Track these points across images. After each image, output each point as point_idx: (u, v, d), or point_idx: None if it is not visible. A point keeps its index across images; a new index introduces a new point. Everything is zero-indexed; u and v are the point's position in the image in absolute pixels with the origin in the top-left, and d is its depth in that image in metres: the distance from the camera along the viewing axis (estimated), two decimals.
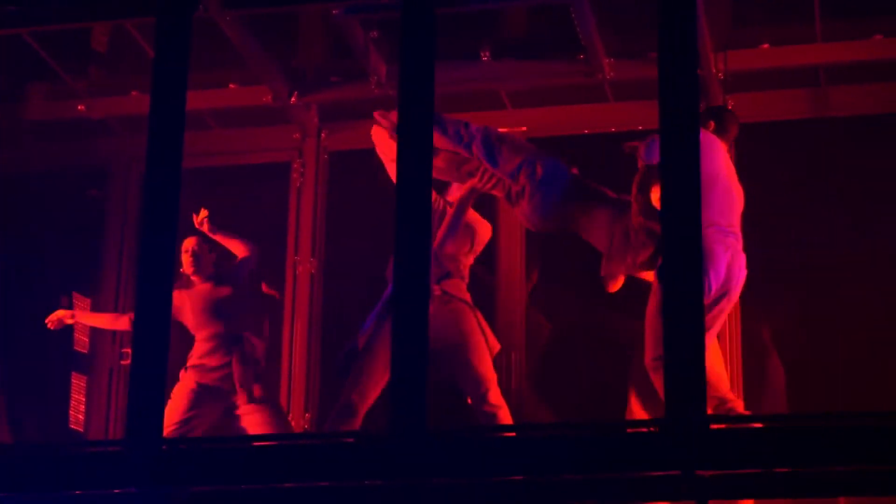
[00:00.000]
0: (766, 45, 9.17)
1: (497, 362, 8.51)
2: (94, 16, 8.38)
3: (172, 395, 8.67)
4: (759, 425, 6.69)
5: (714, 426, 6.40)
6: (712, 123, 8.02)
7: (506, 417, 8.15)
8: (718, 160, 7.72)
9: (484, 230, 8.68)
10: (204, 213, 8.90)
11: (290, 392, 9.65)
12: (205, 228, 8.91)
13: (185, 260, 8.94)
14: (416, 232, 6.85)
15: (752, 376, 8.92)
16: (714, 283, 7.58)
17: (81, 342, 10.29)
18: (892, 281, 8.95)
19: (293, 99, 9.68)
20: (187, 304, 8.90)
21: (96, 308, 10.15)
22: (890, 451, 6.17)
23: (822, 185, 9.35)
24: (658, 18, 6.78)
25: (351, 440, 7.17)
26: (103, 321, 9.49)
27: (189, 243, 8.98)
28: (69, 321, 9.23)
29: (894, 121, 9.07)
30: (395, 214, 6.91)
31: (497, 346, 8.41)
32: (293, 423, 9.44)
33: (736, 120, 8.24)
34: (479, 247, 8.67)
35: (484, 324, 8.39)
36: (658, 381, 7.45)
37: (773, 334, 9.01)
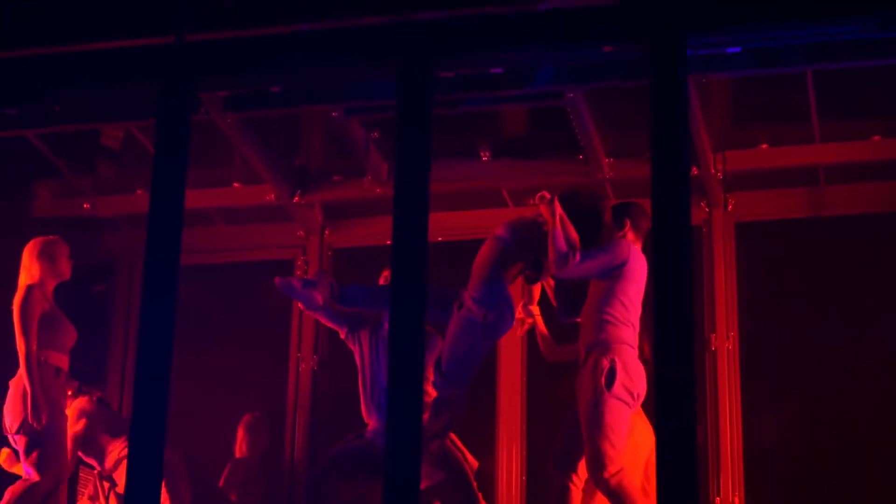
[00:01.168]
0: (764, 146, 9.23)
1: None
2: (93, 118, 8.49)
3: None
4: None
5: None
6: (628, 221, 8.01)
7: None
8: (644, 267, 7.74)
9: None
10: None
11: (293, 487, 9.63)
12: None
13: None
14: (409, 342, 6.83)
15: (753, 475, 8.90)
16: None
17: None
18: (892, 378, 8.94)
19: (296, 198, 9.75)
20: None
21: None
22: None
23: (821, 283, 9.36)
24: (650, 123, 6.80)
25: None
26: None
27: None
28: None
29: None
30: (390, 321, 6.94)
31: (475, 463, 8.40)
32: None
33: (646, 213, 8.23)
34: None
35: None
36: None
37: (774, 434, 8.97)
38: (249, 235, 10.37)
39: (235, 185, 9.96)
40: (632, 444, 7.86)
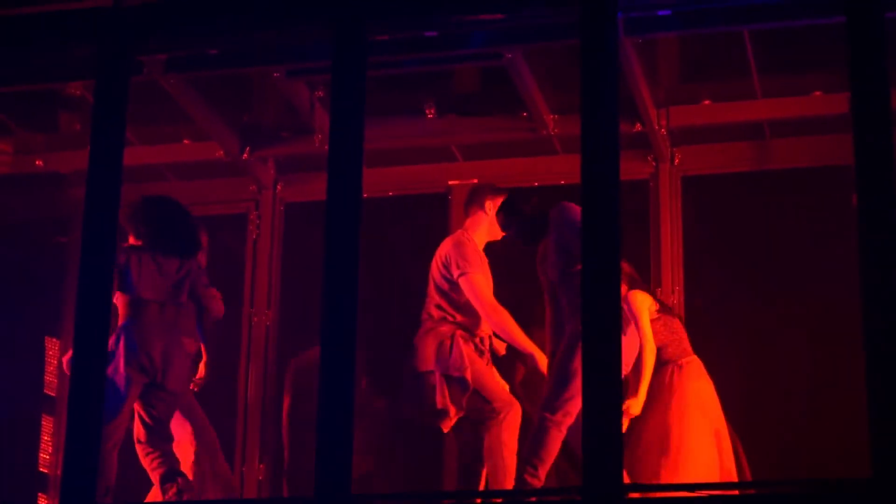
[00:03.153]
0: (707, 102, 9.28)
1: None
2: (35, 78, 8.52)
3: None
4: (676, 494, 6.77)
5: (632, 495, 6.48)
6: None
7: None
8: None
9: None
10: None
11: (244, 443, 9.73)
12: None
13: None
14: (343, 292, 6.93)
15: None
16: None
17: (51, 385, 10.39)
18: (835, 330, 9.00)
19: (245, 154, 9.79)
20: None
21: (64, 350, 10.23)
22: None
23: (766, 235, 9.45)
24: (581, 74, 6.86)
25: None
26: None
27: None
28: None
29: (836, 173, 9.11)
30: (324, 271, 7.04)
31: None
32: (247, 475, 9.55)
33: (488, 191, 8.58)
34: None
35: None
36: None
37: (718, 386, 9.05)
38: (202, 190, 10.35)
39: (185, 141, 9.99)
40: (699, 411, 8.02)
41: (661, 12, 7.39)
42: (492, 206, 8.57)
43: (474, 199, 8.67)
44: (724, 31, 8.18)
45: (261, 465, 9.69)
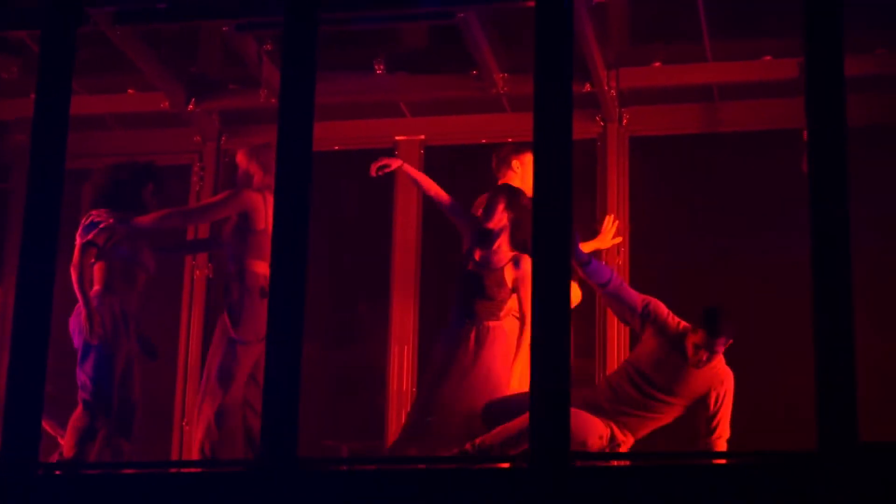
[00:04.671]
0: (657, 64, 9.27)
1: None
2: None
3: None
4: (624, 463, 6.80)
5: (579, 463, 6.49)
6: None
7: None
8: None
9: None
10: None
11: (184, 398, 9.67)
12: None
13: None
14: (294, 243, 6.90)
15: None
16: None
17: None
18: (784, 294, 9.04)
19: (190, 106, 9.69)
20: None
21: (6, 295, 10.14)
22: (757, 489, 6.29)
23: (713, 197, 9.46)
24: (535, 36, 6.84)
25: (240, 469, 7.30)
26: None
27: None
28: None
29: (785, 136, 9.12)
30: (273, 228, 7.02)
31: None
32: (187, 430, 9.50)
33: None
34: None
35: None
36: None
37: None
38: (146, 140, 10.26)
39: (130, 91, 9.86)
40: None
41: None
42: (519, 163, 8.63)
43: (502, 159, 8.73)
44: None
45: None
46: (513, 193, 8.22)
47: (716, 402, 7.58)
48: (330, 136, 9.63)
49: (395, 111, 9.89)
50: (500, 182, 8.58)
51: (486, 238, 8.15)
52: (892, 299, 8.66)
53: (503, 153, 8.76)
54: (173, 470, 8.25)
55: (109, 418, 8.09)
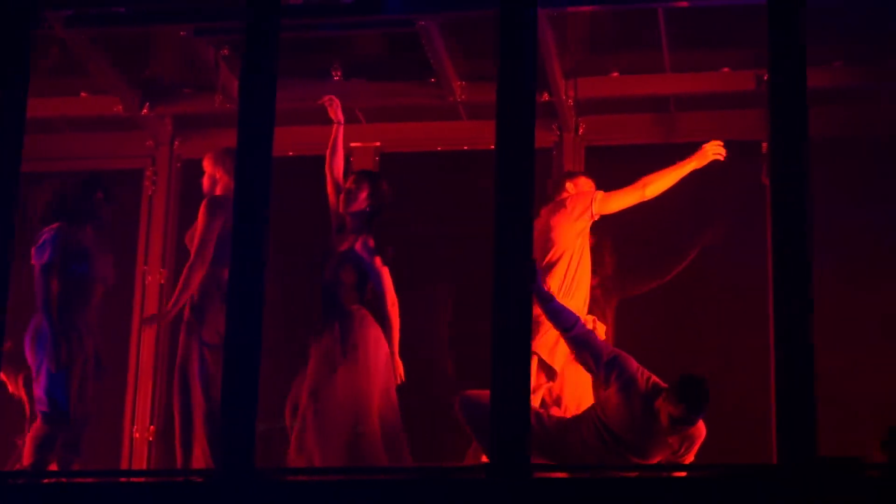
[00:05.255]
0: (616, 73, 9.27)
1: None
2: None
3: None
4: (582, 475, 6.79)
5: (538, 474, 6.48)
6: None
7: None
8: None
9: None
10: None
11: (135, 404, 9.57)
12: None
13: None
14: (251, 247, 6.86)
15: None
16: None
17: None
18: (739, 307, 9.07)
19: (144, 110, 9.61)
20: None
21: None
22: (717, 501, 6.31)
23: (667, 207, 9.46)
24: (500, 45, 6.83)
25: (198, 478, 7.25)
26: None
27: None
28: None
29: (740, 147, 9.13)
30: (233, 232, 6.97)
31: None
32: (138, 437, 9.41)
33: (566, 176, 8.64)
34: None
35: None
36: None
37: None
38: (98, 144, 10.16)
39: (83, 94, 9.75)
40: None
41: None
42: (572, 185, 8.64)
43: (556, 183, 8.76)
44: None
45: (151, 427, 9.53)
46: (375, 180, 8.33)
47: (685, 449, 7.29)
48: (284, 141, 9.54)
49: (351, 117, 9.82)
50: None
51: (348, 222, 8.26)
52: (841, 313, 8.68)
53: (557, 177, 8.86)
54: (134, 479, 8.15)
55: (68, 430, 8.02)
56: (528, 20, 6.84)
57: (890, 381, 8.62)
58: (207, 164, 8.54)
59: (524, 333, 6.54)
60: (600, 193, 8.39)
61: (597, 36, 9.00)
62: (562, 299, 7.89)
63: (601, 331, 8.39)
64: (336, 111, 8.49)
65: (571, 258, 8.32)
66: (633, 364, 7.35)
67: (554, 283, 8.20)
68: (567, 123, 9.48)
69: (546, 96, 9.11)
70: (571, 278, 8.29)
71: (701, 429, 7.20)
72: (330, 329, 8.03)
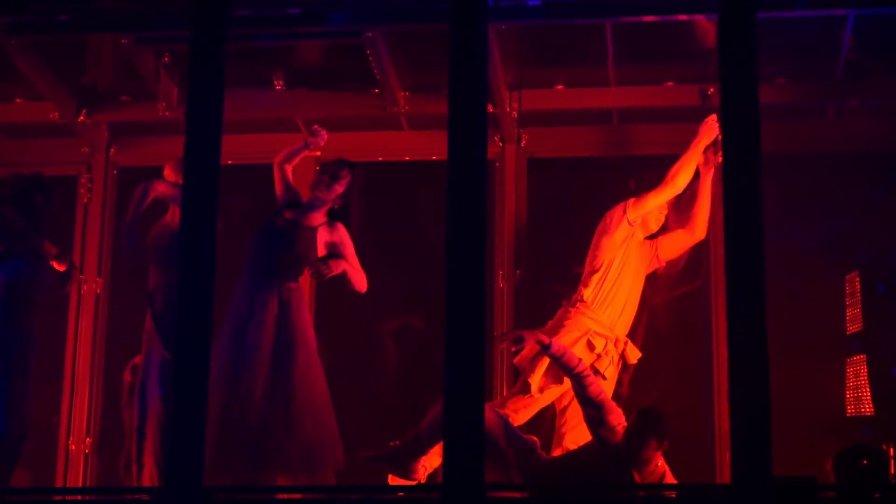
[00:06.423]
0: (560, 87, 9.26)
1: None
2: None
3: None
4: (535, 494, 6.75)
5: (491, 493, 6.42)
6: None
7: None
8: None
9: None
10: None
11: (70, 416, 9.44)
12: None
13: None
14: (200, 261, 6.75)
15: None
16: None
17: None
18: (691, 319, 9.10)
19: (81, 117, 9.47)
20: None
21: None
22: None
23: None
24: (449, 57, 6.77)
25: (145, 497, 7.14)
26: None
27: None
28: None
29: None
30: (180, 240, 6.85)
31: None
32: (73, 449, 9.27)
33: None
34: None
35: None
36: None
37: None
38: (32, 151, 10.01)
39: (18, 100, 9.61)
40: None
41: (530, 2, 7.32)
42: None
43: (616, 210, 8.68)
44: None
45: (87, 439, 9.40)
46: (356, 174, 8.36)
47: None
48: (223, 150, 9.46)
49: (292, 127, 9.75)
50: None
51: (315, 202, 8.28)
52: (788, 328, 8.70)
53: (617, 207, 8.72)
54: (78, 497, 8.02)
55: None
56: (480, 37, 6.77)
57: (836, 396, 8.68)
58: (168, 173, 8.53)
59: (478, 347, 6.46)
60: (632, 200, 8.54)
61: (542, 49, 8.97)
62: (594, 309, 8.32)
63: (633, 354, 8.48)
64: (317, 141, 8.45)
65: (610, 269, 8.49)
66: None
67: (588, 293, 8.46)
68: (510, 135, 9.48)
69: (490, 108, 9.08)
70: (608, 289, 8.46)
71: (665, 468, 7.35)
72: (268, 306, 8.04)
